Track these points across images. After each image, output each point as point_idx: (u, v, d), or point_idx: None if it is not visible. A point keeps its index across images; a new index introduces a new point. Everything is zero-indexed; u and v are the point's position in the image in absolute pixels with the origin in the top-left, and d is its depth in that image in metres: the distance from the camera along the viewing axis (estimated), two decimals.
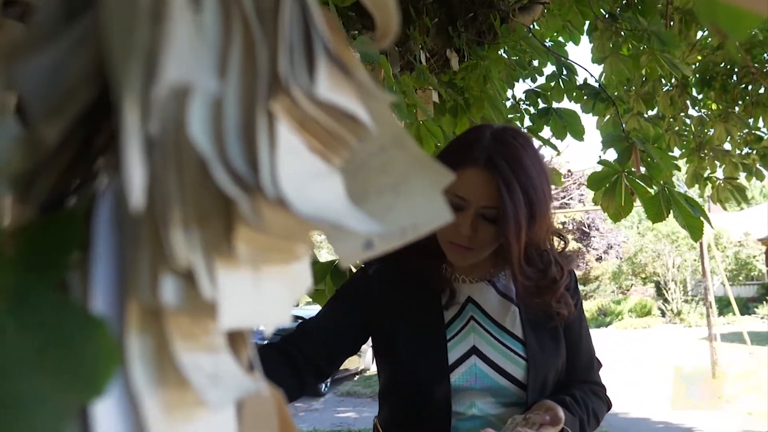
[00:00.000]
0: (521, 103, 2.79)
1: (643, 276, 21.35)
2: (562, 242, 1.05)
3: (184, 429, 0.19)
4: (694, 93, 4.09)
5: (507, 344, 0.98)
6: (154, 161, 0.17)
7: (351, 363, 9.69)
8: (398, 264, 1.03)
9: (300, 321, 1.06)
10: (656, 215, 1.93)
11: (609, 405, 1.09)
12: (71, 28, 0.18)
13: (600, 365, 1.12)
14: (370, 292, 1.02)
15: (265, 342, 1.04)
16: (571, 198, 20.72)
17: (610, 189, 2.03)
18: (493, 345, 0.98)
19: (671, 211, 1.89)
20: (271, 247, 0.20)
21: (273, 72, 0.19)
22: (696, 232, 1.83)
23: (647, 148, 2.00)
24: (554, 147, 2.43)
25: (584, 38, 3.25)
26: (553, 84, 2.79)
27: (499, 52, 2.42)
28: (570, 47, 3.45)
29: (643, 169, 2.04)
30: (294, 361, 0.95)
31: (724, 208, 4.04)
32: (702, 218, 1.80)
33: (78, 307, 0.17)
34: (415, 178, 0.25)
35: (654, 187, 1.94)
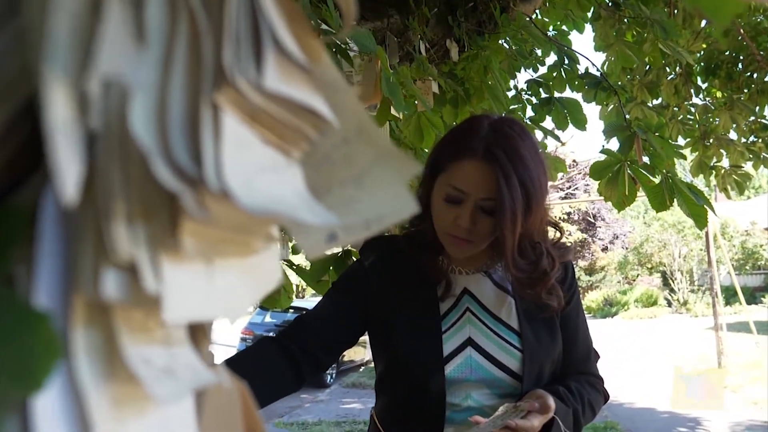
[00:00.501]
0: (523, 93, 2.77)
1: (649, 266, 21.28)
2: (558, 233, 1.04)
3: (136, 423, 0.19)
4: (699, 81, 4.05)
5: (503, 335, 0.98)
6: (97, 155, 0.17)
7: (356, 354, 9.71)
8: (395, 255, 1.03)
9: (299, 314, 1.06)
10: (660, 204, 1.92)
11: (606, 397, 1.08)
12: (12, 21, 0.18)
13: (598, 357, 1.11)
14: (367, 284, 1.03)
15: (264, 335, 1.05)
16: (576, 188, 20.62)
17: (613, 178, 2.02)
18: (489, 336, 0.98)
19: (675, 200, 1.88)
20: (224, 240, 0.20)
21: (218, 64, 0.18)
22: (700, 221, 1.82)
23: (649, 137, 1.98)
24: (557, 138, 2.41)
25: (587, 27, 3.22)
26: (554, 74, 2.77)
27: (500, 42, 2.40)
28: (573, 36, 3.43)
29: (646, 159, 2.03)
30: (292, 354, 0.96)
31: (728, 197, 4.01)
32: (706, 206, 1.79)
33: (20, 300, 0.17)
34: (380, 169, 0.25)
35: (657, 176, 1.93)
